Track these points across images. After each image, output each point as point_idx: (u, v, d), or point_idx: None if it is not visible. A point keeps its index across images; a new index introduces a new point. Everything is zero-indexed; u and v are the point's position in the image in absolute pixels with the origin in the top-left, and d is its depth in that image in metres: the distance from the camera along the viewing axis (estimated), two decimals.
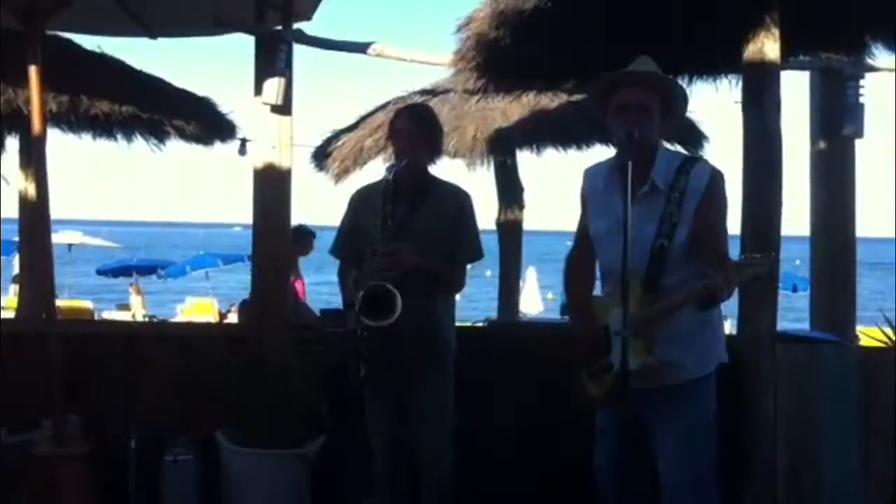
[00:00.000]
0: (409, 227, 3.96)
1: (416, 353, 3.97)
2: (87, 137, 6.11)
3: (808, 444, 3.78)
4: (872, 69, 5.50)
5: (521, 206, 7.66)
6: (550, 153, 6.84)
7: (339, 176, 6.71)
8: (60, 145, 8.06)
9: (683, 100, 3.45)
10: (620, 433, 3.39)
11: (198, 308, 19.77)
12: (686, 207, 3.27)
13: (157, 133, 5.72)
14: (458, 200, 4.08)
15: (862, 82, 5.57)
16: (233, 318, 14.60)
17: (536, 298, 22.37)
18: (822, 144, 5.81)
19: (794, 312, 11.57)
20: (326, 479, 4.81)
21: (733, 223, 4.15)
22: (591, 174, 3.57)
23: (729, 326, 14.38)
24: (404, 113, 4.22)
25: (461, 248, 4.04)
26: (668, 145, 6.77)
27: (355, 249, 4.10)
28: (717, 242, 3.28)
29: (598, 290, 3.63)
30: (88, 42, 5.98)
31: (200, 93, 6.01)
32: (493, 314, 9.07)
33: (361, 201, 4.13)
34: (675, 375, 3.28)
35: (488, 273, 11.75)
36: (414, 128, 4.03)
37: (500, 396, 4.89)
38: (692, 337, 3.33)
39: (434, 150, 4.13)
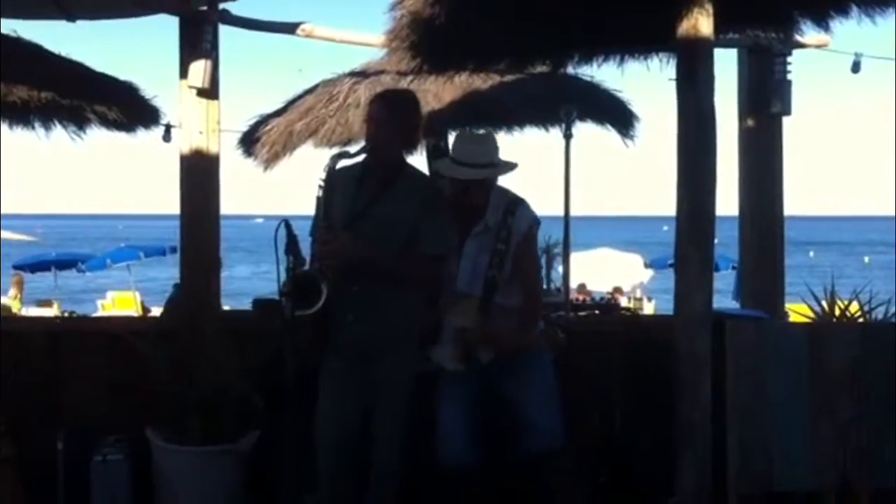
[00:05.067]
0: (370, 213, 3.88)
1: (367, 342, 3.90)
2: (2, 127, 5.85)
3: (757, 422, 3.80)
4: (799, 45, 5.57)
5: None
6: None
7: (269, 162, 6.53)
8: None
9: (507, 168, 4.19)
10: (470, 396, 4.15)
11: (120, 302, 19.31)
12: (511, 244, 4.10)
13: (78, 120, 5.49)
14: (428, 192, 4.03)
15: (789, 59, 5.65)
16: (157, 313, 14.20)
17: None
18: (749, 122, 5.87)
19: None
20: (263, 475, 4.70)
21: (669, 204, 4.20)
22: None
23: (652, 307, 14.61)
24: (378, 98, 4.15)
25: (422, 242, 3.93)
26: (599, 126, 6.87)
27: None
28: (527, 281, 4.18)
29: None
30: (3, 26, 5.72)
31: (123, 77, 5.80)
32: None
33: (339, 181, 3.96)
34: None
35: None
36: (384, 114, 3.94)
37: None
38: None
39: (406, 137, 4.04)
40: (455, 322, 4.06)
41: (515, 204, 4.14)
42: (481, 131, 4.36)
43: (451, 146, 4.26)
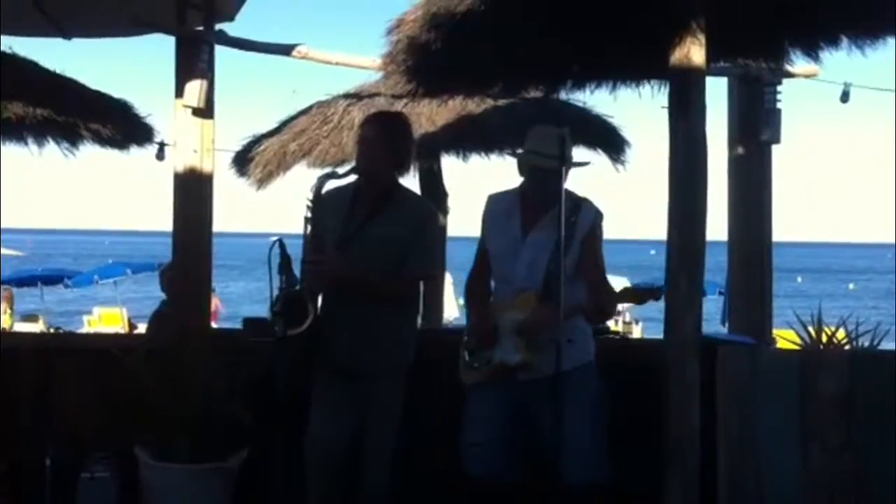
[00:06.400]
0: (363, 235, 3.90)
1: (360, 362, 3.91)
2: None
3: (748, 448, 3.83)
4: (789, 75, 5.63)
5: (445, 212, 7.64)
6: (475, 159, 6.85)
7: (262, 182, 6.58)
8: None
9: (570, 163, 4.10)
10: (504, 414, 4.05)
11: (106, 318, 19.22)
12: (576, 238, 4.02)
13: (71, 136, 5.52)
14: (420, 213, 4.05)
15: (779, 88, 5.71)
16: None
17: (452, 304, 22.52)
18: (739, 150, 5.92)
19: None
20: (252, 493, 4.69)
21: (656, 228, 4.26)
22: (495, 200, 4.24)
23: (639, 330, 14.83)
24: (370, 120, 4.19)
25: (410, 262, 3.96)
26: (590, 151, 6.93)
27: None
28: (598, 269, 4.08)
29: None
30: None
31: (117, 95, 5.84)
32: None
33: (330, 201, 3.99)
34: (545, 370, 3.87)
35: None
36: (375, 136, 3.96)
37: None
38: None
39: (397, 159, 4.05)
40: (513, 317, 4.01)
41: (581, 201, 4.12)
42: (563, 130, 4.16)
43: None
